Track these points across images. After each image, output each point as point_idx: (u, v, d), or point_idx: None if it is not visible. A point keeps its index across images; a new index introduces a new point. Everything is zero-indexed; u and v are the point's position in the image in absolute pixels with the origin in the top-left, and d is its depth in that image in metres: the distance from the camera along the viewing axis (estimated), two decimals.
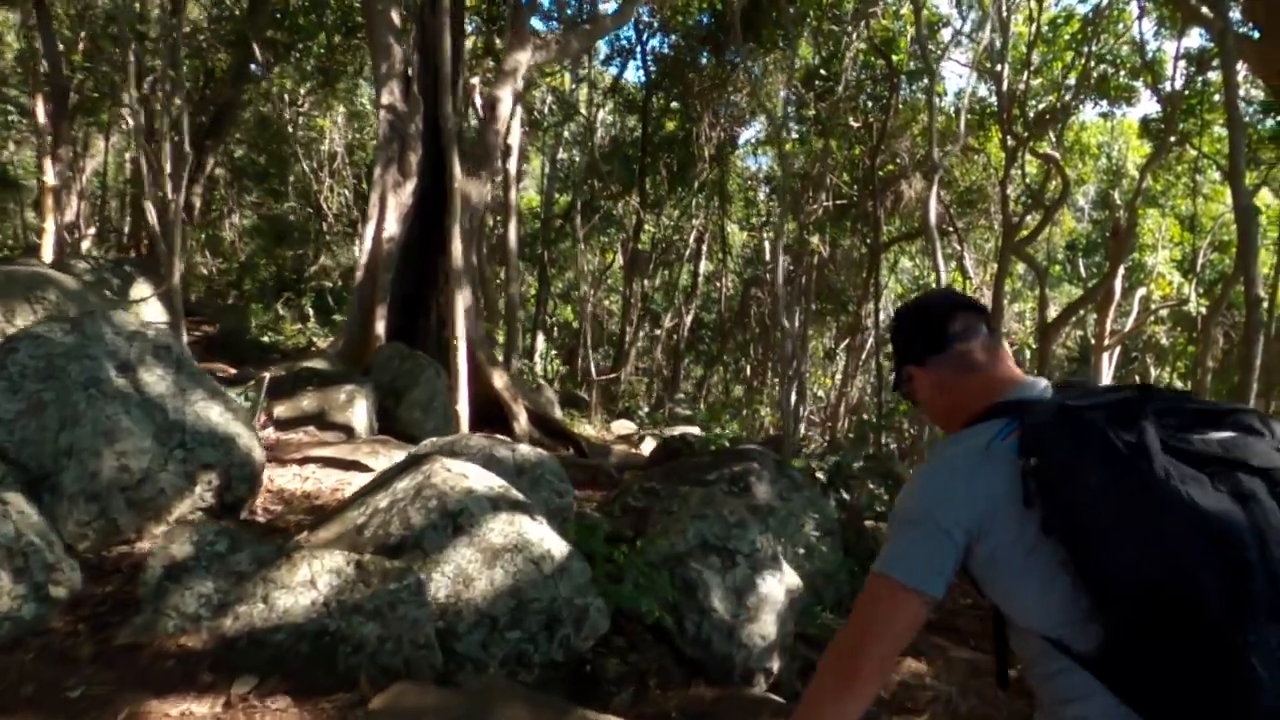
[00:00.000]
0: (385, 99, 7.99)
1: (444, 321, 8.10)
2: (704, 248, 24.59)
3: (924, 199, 11.12)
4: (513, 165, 10.63)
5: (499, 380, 7.90)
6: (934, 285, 10.35)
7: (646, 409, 13.23)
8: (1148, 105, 37.40)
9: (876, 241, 13.85)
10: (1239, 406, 1.21)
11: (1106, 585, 1.12)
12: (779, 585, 3.82)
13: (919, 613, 1.28)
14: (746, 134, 24.04)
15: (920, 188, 19.85)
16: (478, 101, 10.08)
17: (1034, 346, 18.73)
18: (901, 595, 1.27)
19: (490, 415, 8.05)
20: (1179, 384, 22.09)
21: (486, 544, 2.99)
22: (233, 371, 7.15)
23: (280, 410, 5.89)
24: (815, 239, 14.78)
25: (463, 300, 8.04)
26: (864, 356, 21.77)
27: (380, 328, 7.75)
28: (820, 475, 6.13)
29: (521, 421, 7.86)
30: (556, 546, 3.12)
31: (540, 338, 26.10)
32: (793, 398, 6.09)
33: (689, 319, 24.71)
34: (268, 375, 5.88)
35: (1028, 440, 1.22)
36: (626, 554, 3.59)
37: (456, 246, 7.99)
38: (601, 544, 3.57)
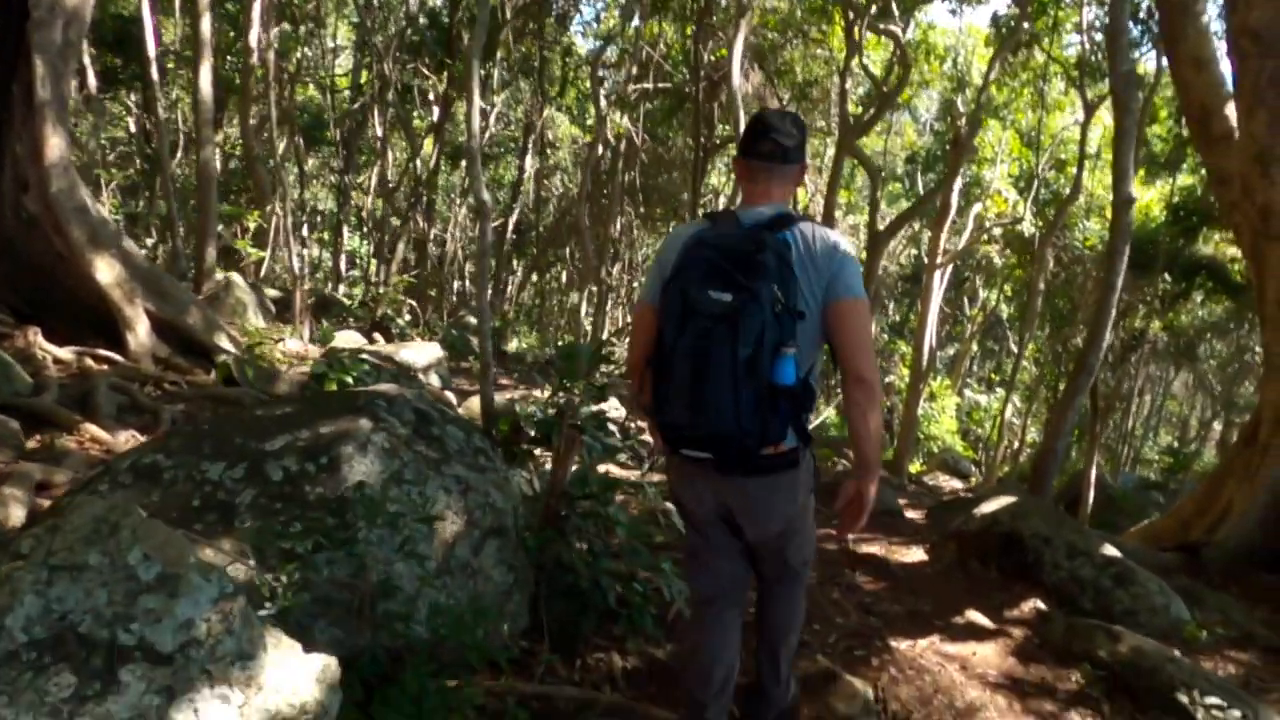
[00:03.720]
0: None
1: (25, 183, 5.43)
2: (532, 140, 21.83)
3: (745, 84, 9.17)
4: None
5: (106, 272, 5.36)
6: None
7: (408, 318, 10.90)
8: (999, 1, 37.07)
9: (697, 126, 11.82)
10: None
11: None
12: (244, 704, 1.76)
13: (654, 316, 2.13)
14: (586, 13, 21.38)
15: (758, 81, 17.97)
16: None
17: (864, 257, 17.57)
18: (640, 309, 2.24)
19: (98, 324, 5.55)
20: (1005, 308, 21.73)
21: None
22: None
23: None
24: (624, 119, 12.57)
25: (53, 147, 5.41)
26: None
27: None
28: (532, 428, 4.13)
29: (139, 333, 5.40)
30: None
31: (346, 231, 22.81)
32: (488, 313, 3.95)
33: (514, 218, 22.14)
34: None
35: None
36: None
37: (38, 68, 5.32)
38: None
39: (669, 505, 5.26)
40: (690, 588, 2.63)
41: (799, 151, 2.22)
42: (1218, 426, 26.73)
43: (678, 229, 2.24)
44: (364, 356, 5.11)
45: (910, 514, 7.84)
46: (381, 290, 11.91)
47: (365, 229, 23.19)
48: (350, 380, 4.03)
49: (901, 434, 13.58)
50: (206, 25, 7.90)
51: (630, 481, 5.63)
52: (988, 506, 5.43)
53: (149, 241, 13.01)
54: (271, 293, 10.79)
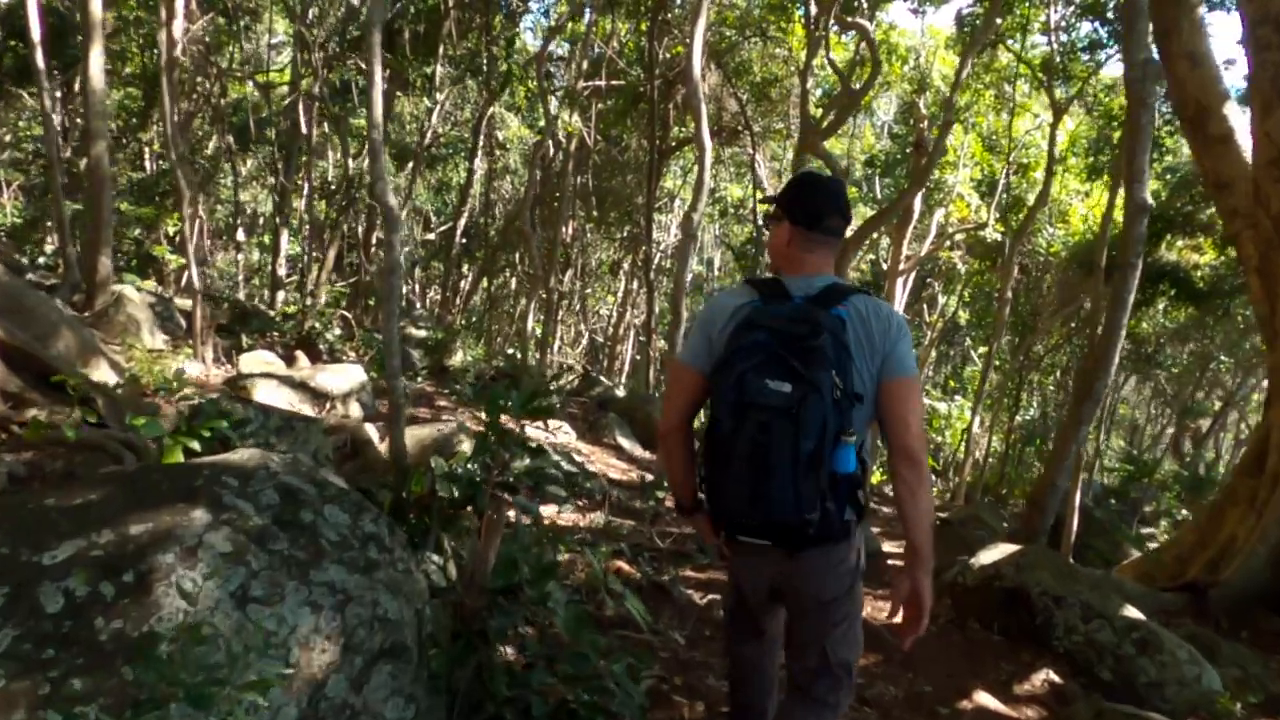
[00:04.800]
0: None
1: None
2: (480, 142, 20.85)
3: (702, 84, 8.42)
4: None
5: None
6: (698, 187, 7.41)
7: (339, 331, 9.97)
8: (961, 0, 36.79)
9: (652, 127, 11.10)
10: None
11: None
12: None
13: (695, 380, 2.12)
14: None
15: (715, 81, 17.31)
16: None
17: None
18: (681, 369, 2.18)
19: None
20: (963, 314, 21.32)
21: None
22: None
23: None
24: (575, 119, 11.79)
25: None
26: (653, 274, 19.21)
27: None
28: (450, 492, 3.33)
29: None
30: None
31: (286, 236, 21.64)
32: (398, 344, 3.14)
33: (463, 222, 21.16)
34: None
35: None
36: None
37: None
38: None
39: (621, 563, 4.52)
40: (729, 649, 2.58)
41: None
42: (1170, 430, 26.79)
43: (723, 296, 2.20)
44: (240, 403, 4.21)
45: (889, 546, 7.20)
46: (309, 301, 10.93)
47: (303, 233, 22.06)
48: (198, 446, 3.16)
49: None
50: (97, 4, 6.94)
51: (575, 534, 4.87)
52: (986, 556, 4.78)
53: (48, 248, 11.88)
54: (187, 304, 9.79)
